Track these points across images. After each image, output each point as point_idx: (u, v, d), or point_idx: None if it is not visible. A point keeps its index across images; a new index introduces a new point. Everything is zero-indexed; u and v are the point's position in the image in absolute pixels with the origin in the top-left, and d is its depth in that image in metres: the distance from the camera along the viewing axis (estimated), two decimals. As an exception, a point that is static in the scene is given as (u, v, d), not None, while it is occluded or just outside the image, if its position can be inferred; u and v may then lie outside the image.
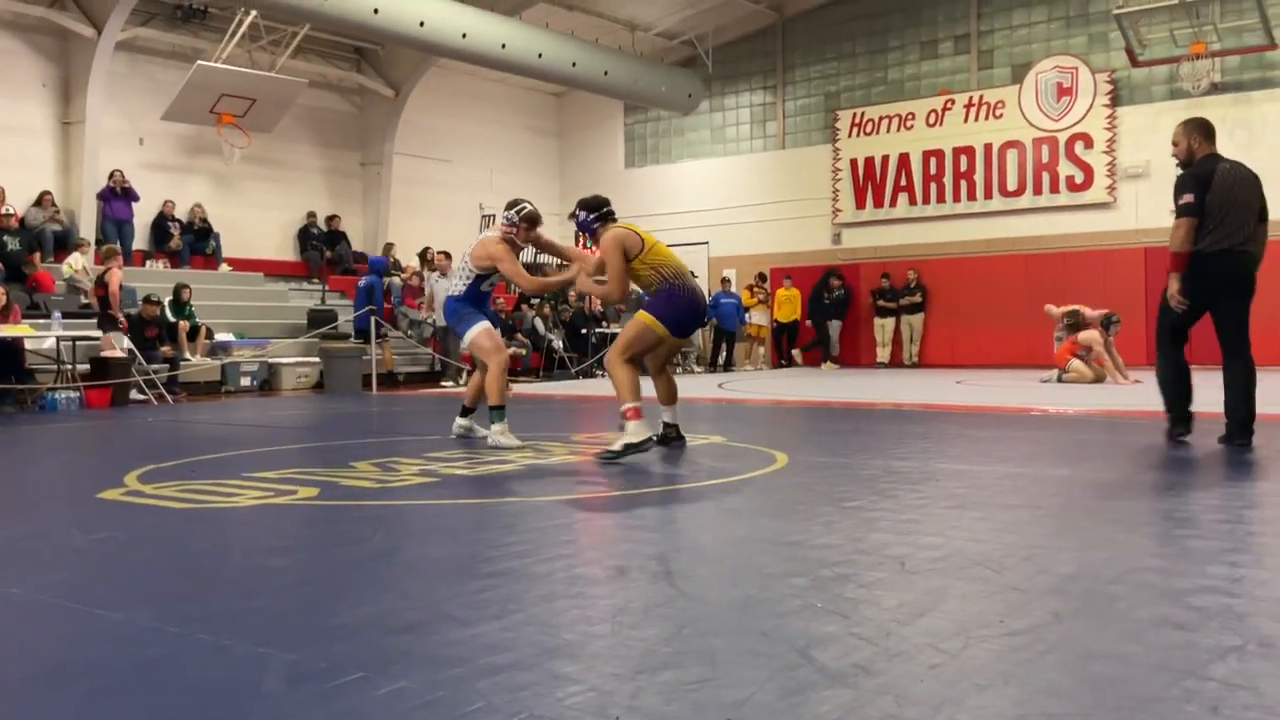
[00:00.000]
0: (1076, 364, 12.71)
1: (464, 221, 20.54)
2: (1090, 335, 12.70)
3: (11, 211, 13.77)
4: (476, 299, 6.80)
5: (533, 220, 6.61)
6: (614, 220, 6.22)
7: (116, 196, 15.27)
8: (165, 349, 12.48)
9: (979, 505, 4.29)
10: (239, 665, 2.31)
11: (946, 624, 2.54)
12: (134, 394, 11.58)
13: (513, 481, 5.18)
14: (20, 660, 2.42)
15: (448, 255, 14.90)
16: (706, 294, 19.42)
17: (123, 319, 12.02)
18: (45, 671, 2.32)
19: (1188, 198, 5.83)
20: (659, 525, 4.03)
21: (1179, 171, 6.07)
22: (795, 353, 19.18)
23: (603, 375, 16.28)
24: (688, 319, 6.14)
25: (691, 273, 6.32)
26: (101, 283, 12.23)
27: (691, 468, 5.71)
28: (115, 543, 3.83)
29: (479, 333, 6.67)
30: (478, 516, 4.34)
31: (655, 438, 5.87)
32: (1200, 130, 6.05)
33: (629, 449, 5.64)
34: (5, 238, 13.33)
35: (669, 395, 6.39)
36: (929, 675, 2.17)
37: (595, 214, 6.19)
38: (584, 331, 17.02)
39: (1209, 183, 5.84)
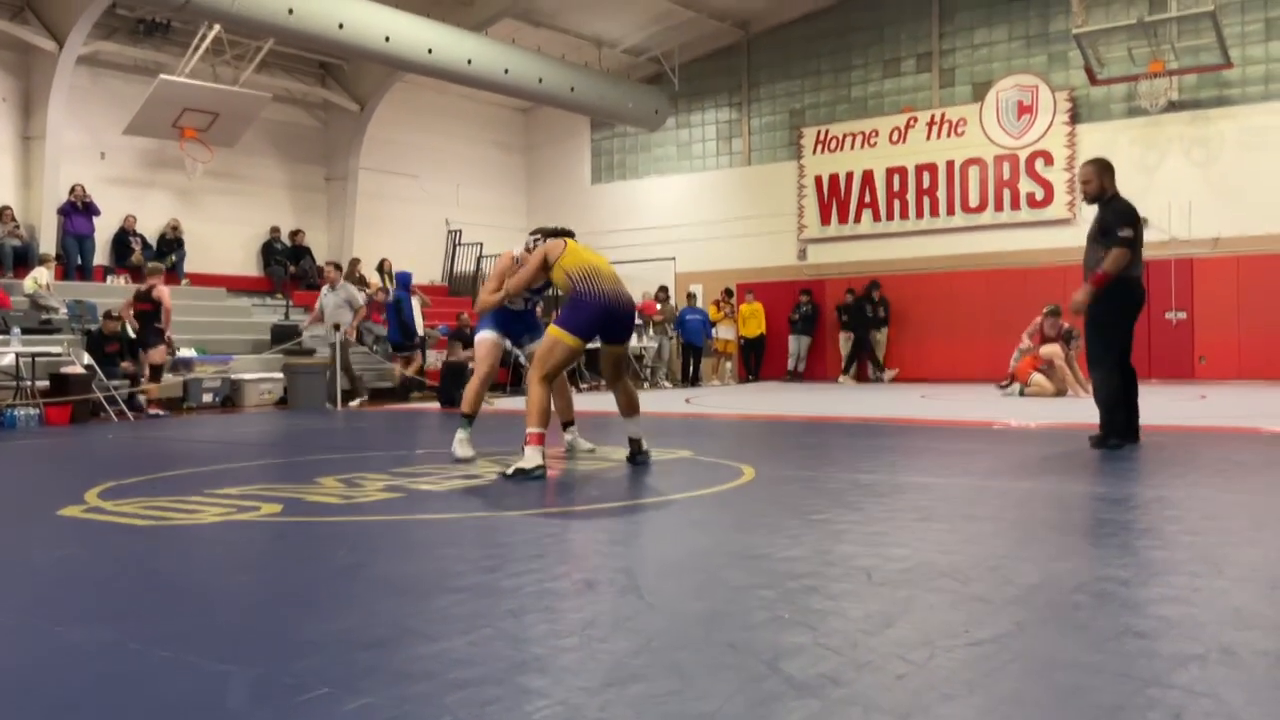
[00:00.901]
0: (1038, 378, 12.90)
1: (429, 237, 20.50)
2: (1052, 350, 12.90)
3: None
4: (502, 311, 6.82)
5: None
6: (561, 239, 6.25)
7: (78, 211, 15.10)
8: (126, 364, 12.33)
9: (944, 517, 4.32)
10: (203, 682, 2.29)
11: (913, 634, 2.55)
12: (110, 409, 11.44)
13: (480, 496, 5.16)
14: (-22, 680, 2.38)
15: (338, 267, 14.79)
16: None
17: (170, 333, 12.78)
18: (5, 690, 2.28)
19: (1128, 232, 6.67)
20: (627, 539, 4.03)
21: (1103, 203, 6.93)
22: (843, 378, 18.30)
23: (582, 389, 16.26)
24: (597, 322, 5.95)
25: (614, 276, 6.12)
26: (145, 298, 12.52)
27: (659, 482, 5.71)
28: (76, 560, 3.78)
29: (479, 340, 6.88)
30: (445, 531, 4.32)
31: (543, 469, 5.59)
32: (1109, 170, 6.97)
33: (519, 474, 5.53)
34: (-37, 253, 13.14)
35: (628, 406, 6.34)
36: (896, 685, 2.18)
37: (538, 233, 6.43)
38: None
39: (1137, 219, 6.79)
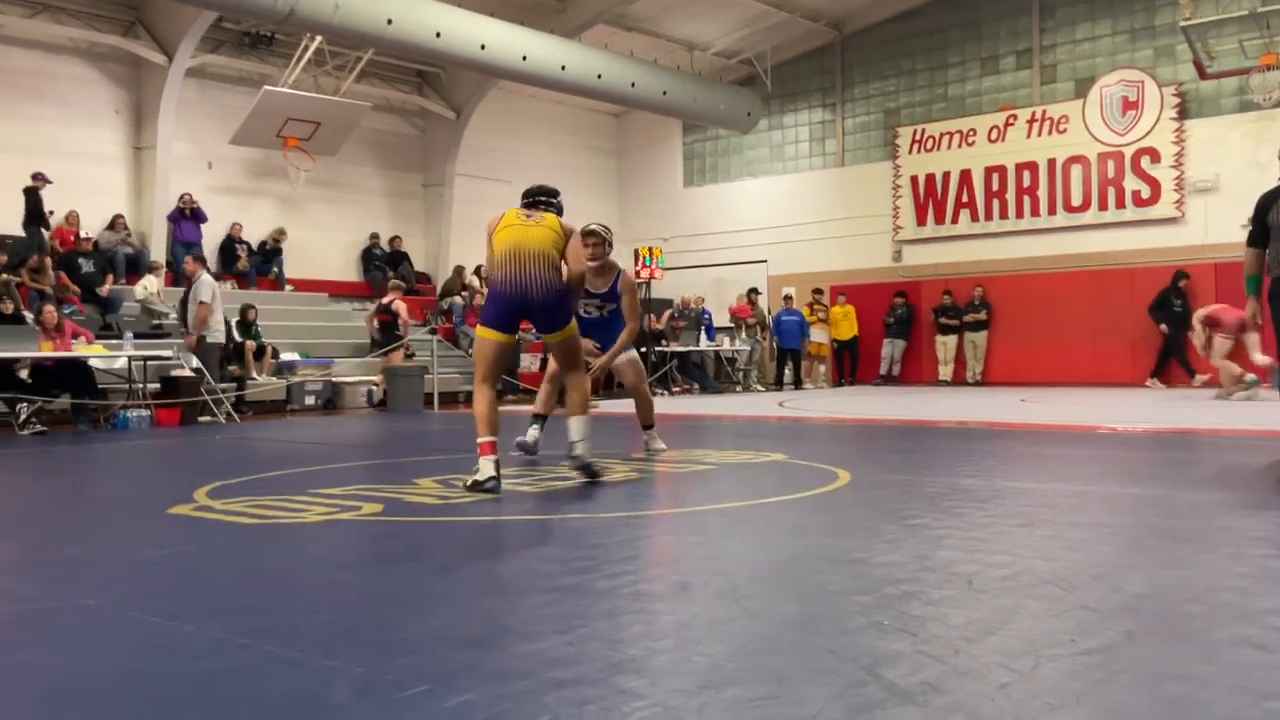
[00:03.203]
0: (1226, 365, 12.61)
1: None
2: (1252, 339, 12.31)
3: (87, 235, 14.14)
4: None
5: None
6: (525, 209, 5.69)
7: (185, 219, 15.65)
8: (232, 369, 12.71)
9: (1047, 523, 4.22)
10: (308, 677, 2.34)
11: (1016, 642, 2.49)
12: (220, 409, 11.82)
13: (574, 498, 5.19)
14: (95, 671, 2.47)
15: (201, 260, 12.88)
16: (759, 309, 19.42)
17: (407, 339, 14.32)
18: (119, 682, 2.36)
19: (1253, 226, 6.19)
20: (721, 542, 4.01)
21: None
22: (1151, 381, 16.06)
23: (663, 394, 16.29)
24: (499, 308, 5.41)
25: (520, 254, 5.37)
26: (386, 310, 14.39)
27: (752, 485, 5.68)
28: (186, 557, 3.90)
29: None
30: (541, 532, 4.35)
31: (494, 481, 5.15)
32: None
33: (475, 487, 5.15)
34: (80, 260, 13.69)
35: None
36: (999, 694, 2.13)
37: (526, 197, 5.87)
38: (642, 350, 17.03)
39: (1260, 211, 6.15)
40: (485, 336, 5.46)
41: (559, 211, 5.77)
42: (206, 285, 12.06)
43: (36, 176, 13.81)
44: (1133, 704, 2.10)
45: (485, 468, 5.16)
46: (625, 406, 6.96)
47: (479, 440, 5.24)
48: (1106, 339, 17.01)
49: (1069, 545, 3.77)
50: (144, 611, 2.99)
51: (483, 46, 15.51)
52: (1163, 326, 15.96)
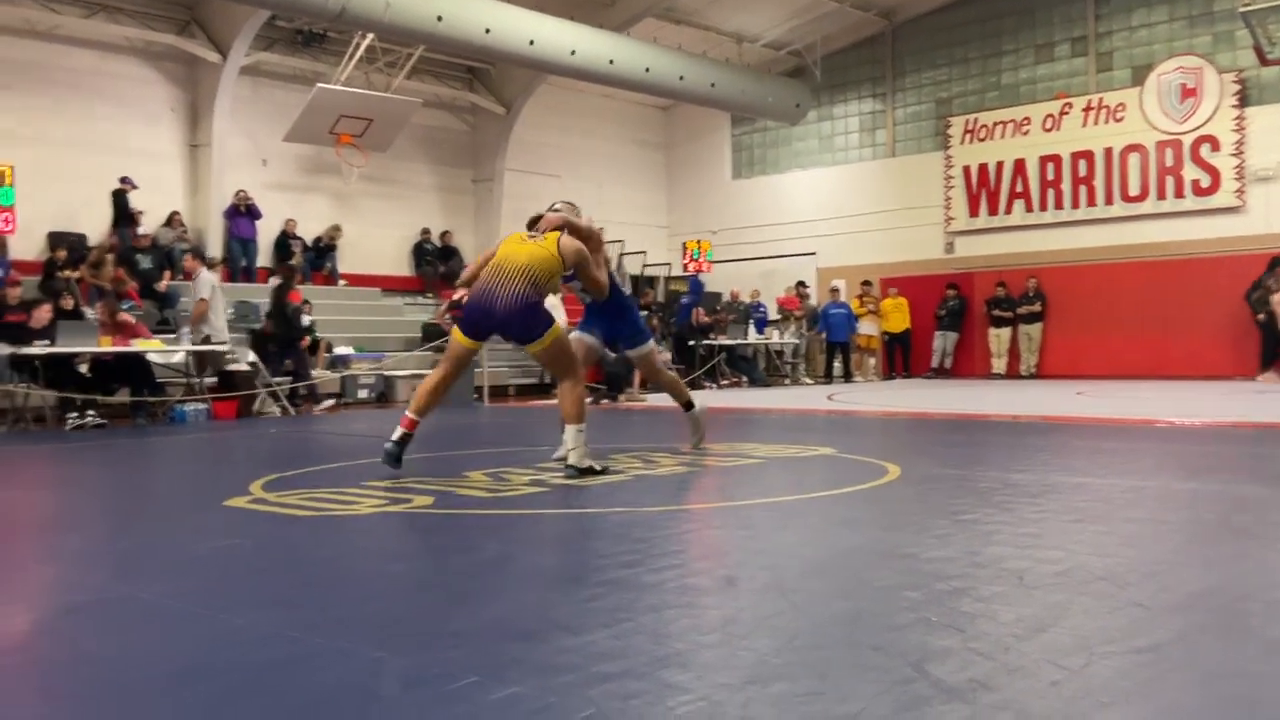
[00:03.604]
0: None
1: (573, 235, 20.75)
2: None
3: (145, 232, 14.41)
4: (599, 313, 6.62)
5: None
6: (530, 228, 5.85)
7: (241, 215, 15.88)
8: (286, 363, 12.87)
9: (1101, 519, 4.16)
10: (358, 669, 2.37)
11: (1068, 640, 2.46)
12: (268, 404, 12.00)
13: (621, 492, 5.20)
14: (150, 663, 2.52)
15: (201, 258, 12.77)
16: (813, 304, 19.29)
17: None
18: (173, 673, 2.41)
19: None
20: (768, 536, 4.00)
21: None
22: (1266, 375, 14.91)
23: (711, 387, 16.27)
24: (468, 316, 5.71)
25: (501, 269, 5.60)
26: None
27: (800, 479, 5.66)
28: (241, 549, 3.97)
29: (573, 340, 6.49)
30: (588, 526, 4.37)
31: (389, 452, 5.59)
32: None
33: (385, 455, 5.62)
34: (138, 256, 13.95)
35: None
36: (1050, 692, 2.11)
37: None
38: (690, 343, 17.02)
39: None
40: (455, 337, 5.81)
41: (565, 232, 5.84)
42: (205, 282, 11.97)
43: (124, 180, 14.49)
44: (1185, 702, 2.07)
45: (395, 433, 5.62)
46: (664, 400, 6.89)
47: (406, 413, 5.66)
48: (1165, 331, 16.69)
49: (1123, 541, 3.71)
50: (199, 603, 3.04)
51: (531, 42, 15.57)
52: (1260, 315, 15.37)
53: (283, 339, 12.86)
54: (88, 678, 2.42)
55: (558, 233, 5.77)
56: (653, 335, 6.90)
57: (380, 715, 2.08)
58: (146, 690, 2.29)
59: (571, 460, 5.58)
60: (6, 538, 4.61)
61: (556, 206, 6.17)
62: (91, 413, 10.42)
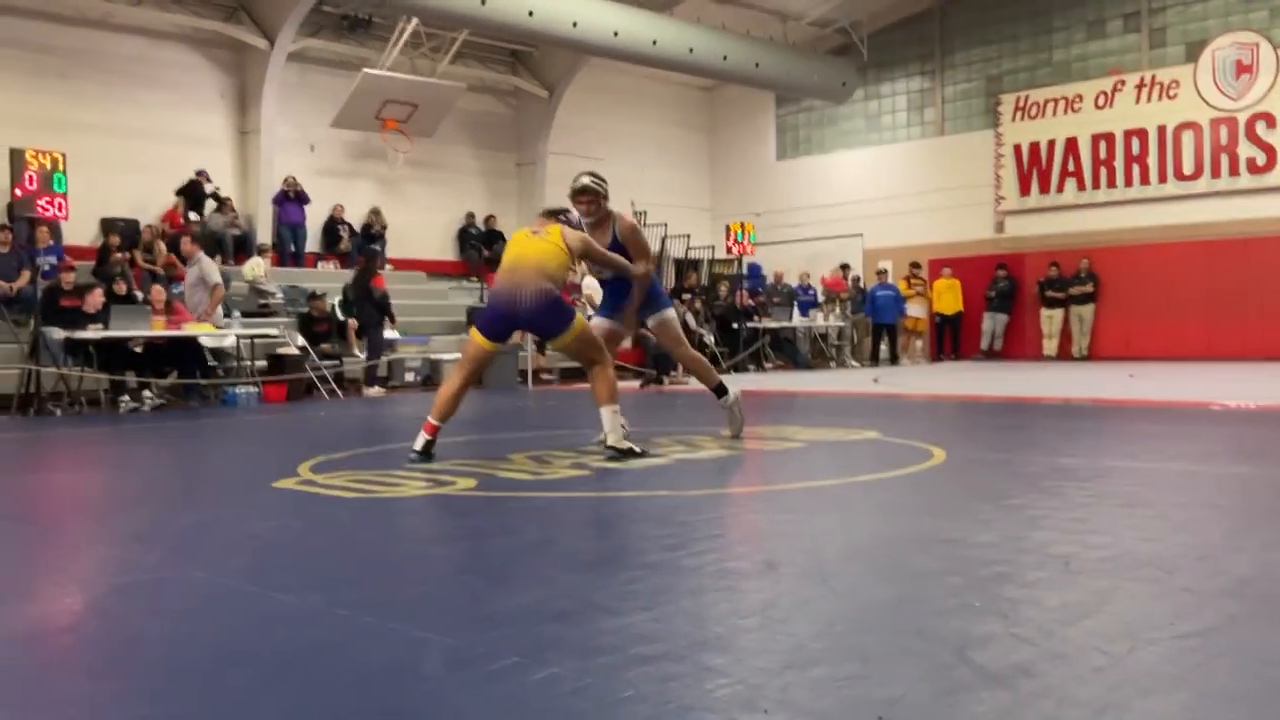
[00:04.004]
0: None
1: (617, 218, 20.73)
2: None
3: (196, 217, 14.62)
4: (613, 293, 6.55)
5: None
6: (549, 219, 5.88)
7: (290, 201, 16.05)
8: (324, 346, 12.94)
9: (1151, 504, 4.10)
10: (401, 649, 2.40)
11: (1113, 626, 2.44)
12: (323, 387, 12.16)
13: (663, 475, 5.21)
14: (200, 640, 2.57)
15: (198, 242, 12.33)
16: (861, 286, 19.14)
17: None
18: (220, 651, 2.46)
19: None
20: (809, 521, 3.99)
21: None
22: None
23: (754, 369, 16.22)
24: (490, 316, 5.78)
25: (516, 268, 5.64)
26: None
27: (843, 463, 5.63)
28: (289, 529, 4.03)
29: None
30: (629, 509, 4.39)
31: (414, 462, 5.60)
32: None
33: (414, 458, 5.63)
34: (190, 242, 14.13)
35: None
36: (1093, 678, 2.08)
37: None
38: (735, 326, 16.97)
39: None
40: (474, 339, 5.84)
41: (571, 225, 5.91)
42: (213, 266, 11.81)
43: (200, 174, 15.11)
44: (1232, 689, 2.03)
45: (420, 439, 5.68)
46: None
47: (429, 419, 5.71)
48: (1221, 312, 16.36)
49: (1172, 526, 3.66)
50: (249, 582, 3.10)
51: (574, 24, 15.55)
52: None
53: (366, 322, 13.15)
54: (140, 655, 2.47)
55: (559, 226, 5.80)
56: (672, 303, 6.71)
57: (424, 694, 2.11)
58: (197, 667, 2.33)
59: (610, 441, 5.62)
60: (62, 518, 4.72)
61: (584, 181, 6.13)
62: (149, 395, 10.63)
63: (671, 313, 6.53)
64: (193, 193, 15.18)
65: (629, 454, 5.56)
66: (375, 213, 17.30)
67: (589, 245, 5.84)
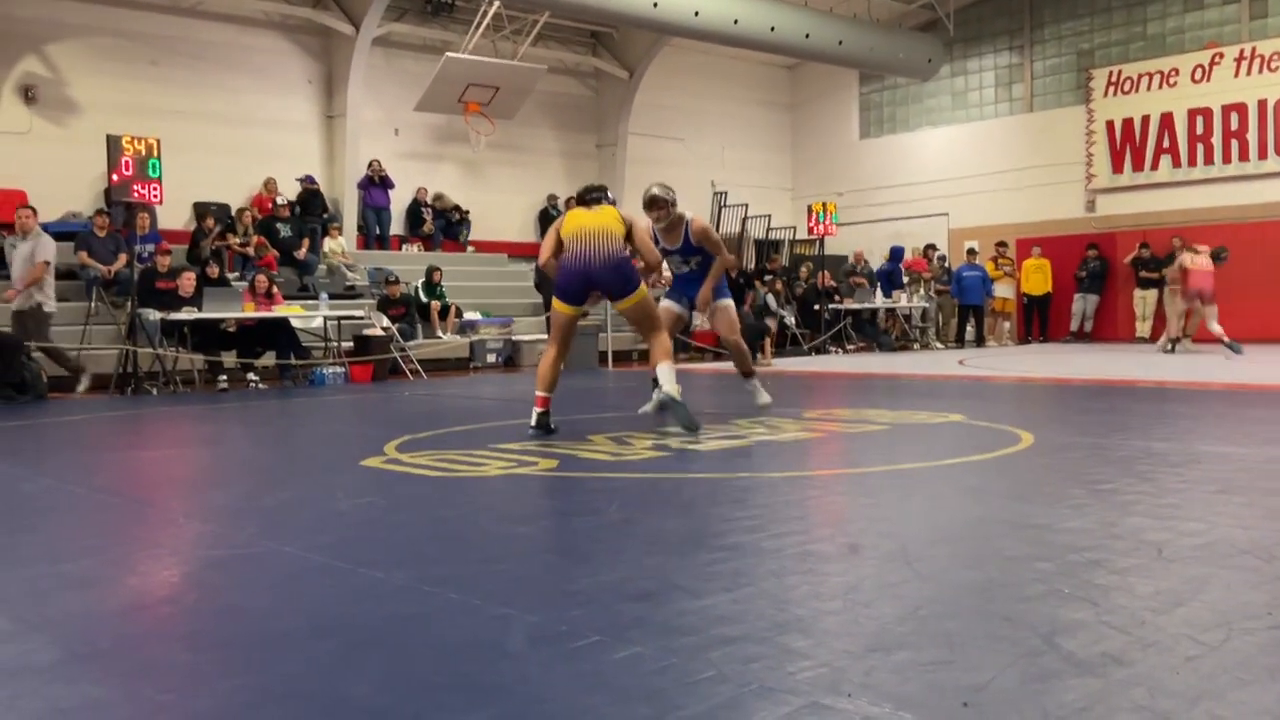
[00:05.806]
0: None
1: (696, 199, 20.68)
2: None
3: (284, 201, 14.95)
4: (676, 278, 7.20)
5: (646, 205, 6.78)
6: (583, 204, 6.16)
7: (375, 185, 16.31)
8: (396, 326, 13.09)
9: (1246, 490, 3.97)
10: (485, 625, 2.44)
11: (1207, 614, 2.37)
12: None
13: (744, 457, 5.20)
14: (289, 612, 2.64)
15: (34, 211, 10.75)
16: (945, 267, 18.81)
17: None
18: (311, 623, 2.52)
19: None
20: (893, 503, 3.95)
21: None
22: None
23: (836, 351, 16.07)
24: (564, 283, 6.03)
25: (590, 234, 5.96)
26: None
27: (927, 446, 5.55)
28: (376, 507, 4.11)
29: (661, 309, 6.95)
30: (709, 490, 4.38)
31: (535, 435, 5.93)
32: None
33: (531, 432, 5.92)
34: (278, 225, 14.47)
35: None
36: (1185, 667, 2.03)
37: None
38: (816, 308, 16.82)
39: None
40: (556, 308, 6.14)
41: (613, 203, 6.28)
42: (48, 244, 10.30)
43: (307, 179, 15.55)
44: (1337, 684, 1.96)
45: (533, 416, 5.96)
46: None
47: (537, 393, 5.99)
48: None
49: (1269, 513, 3.54)
50: (337, 558, 3.17)
51: (655, 4, 15.49)
52: None
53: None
54: (232, 627, 2.54)
55: (612, 206, 6.18)
56: (730, 295, 7.22)
57: (507, 670, 2.14)
58: (287, 639, 2.40)
59: (666, 388, 5.97)
60: (159, 494, 4.88)
61: (654, 192, 6.69)
62: (253, 376, 10.99)
63: (729, 301, 7.12)
64: (301, 195, 15.41)
65: (683, 410, 5.89)
66: (439, 197, 17.44)
67: (636, 224, 6.18)
